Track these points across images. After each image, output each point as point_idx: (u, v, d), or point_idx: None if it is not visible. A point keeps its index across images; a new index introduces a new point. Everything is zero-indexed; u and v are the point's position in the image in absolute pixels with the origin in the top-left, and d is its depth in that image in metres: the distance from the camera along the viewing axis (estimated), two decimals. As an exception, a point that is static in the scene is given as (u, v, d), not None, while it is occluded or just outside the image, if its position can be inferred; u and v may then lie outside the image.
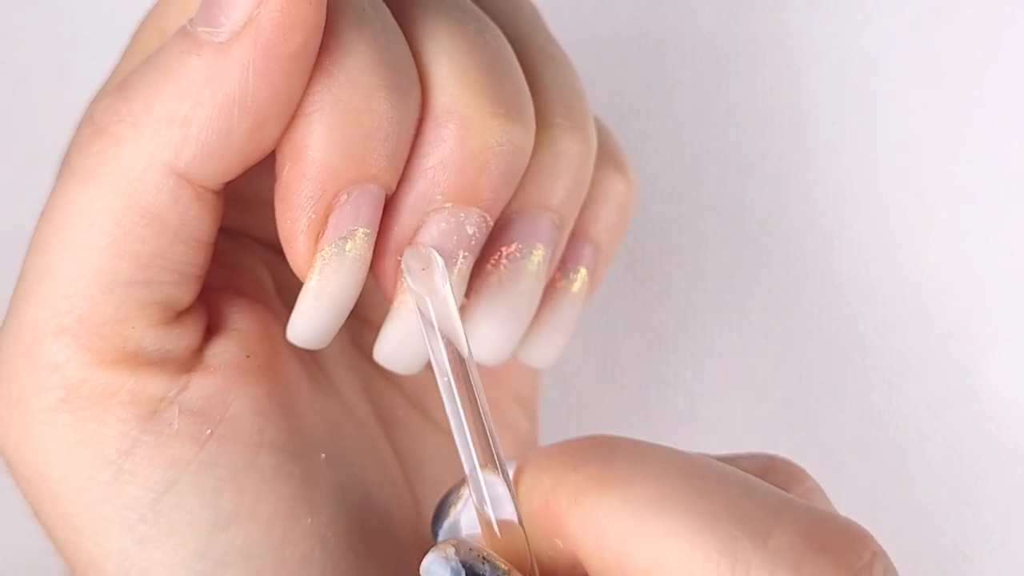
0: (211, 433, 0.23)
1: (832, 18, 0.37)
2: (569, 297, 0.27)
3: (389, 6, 0.24)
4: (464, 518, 0.23)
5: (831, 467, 0.37)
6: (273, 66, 0.22)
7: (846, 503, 0.24)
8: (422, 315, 0.23)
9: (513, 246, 0.25)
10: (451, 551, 0.21)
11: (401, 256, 0.24)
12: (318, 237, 0.23)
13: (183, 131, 0.22)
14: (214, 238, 0.24)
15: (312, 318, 0.24)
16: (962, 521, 0.37)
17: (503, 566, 0.21)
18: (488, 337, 0.25)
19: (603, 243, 0.27)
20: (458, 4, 0.25)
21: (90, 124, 0.23)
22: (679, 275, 0.38)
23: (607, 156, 0.27)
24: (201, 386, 0.24)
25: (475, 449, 0.22)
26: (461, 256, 0.24)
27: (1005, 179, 0.37)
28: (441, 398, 0.23)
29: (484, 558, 0.21)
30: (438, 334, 0.23)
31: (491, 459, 0.22)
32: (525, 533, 0.22)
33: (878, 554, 0.21)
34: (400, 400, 0.29)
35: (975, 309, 0.37)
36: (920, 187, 0.37)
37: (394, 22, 0.24)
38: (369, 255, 0.24)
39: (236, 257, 0.27)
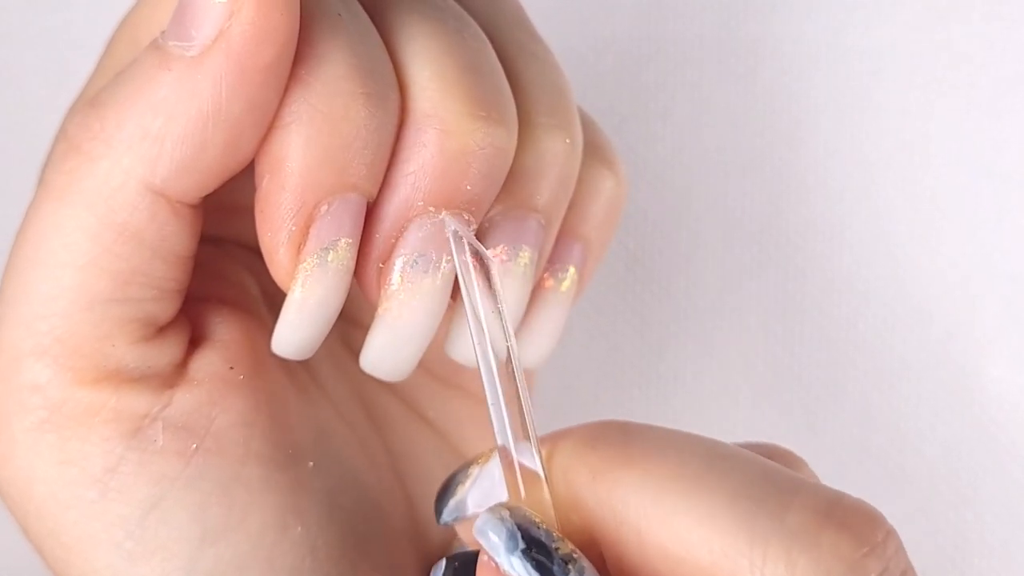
0: (196, 448, 0.23)
1: (831, 19, 0.37)
2: (558, 297, 0.27)
3: (365, 8, 0.24)
4: (472, 496, 0.23)
5: (831, 467, 0.37)
6: (246, 79, 0.22)
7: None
8: (463, 282, 0.23)
9: (500, 248, 0.25)
10: (506, 513, 0.21)
11: (383, 264, 0.24)
12: (299, 249, 0.23)
13: (157, 147, 0.22)
14: (194, 251, 0.24)
15: (296, 330, 0.23)
16: (962, 521, 0.37)
17: (556, 532, 0.21)
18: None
19: (592, 241, 0.27)
20: (436, 3, 0.25)
21: (64, 140, 0.23)
22: (679, 276, 0.38)
23: (595, 152, 0.27)
24: (185, 401, 0.23)
25: (509, 420, 0.22)
26: (445, 259, 0.24)
27: (1005, 179, 0.37)
28: (479, 372, 0.22)
29: (538, 524, 0.21)
30: (476, 295, 0.23)
31: (523, 431, 0.22)
32: (554, 505, 0.22)
33: (891, 533, 0.21)
34: (392, 400, 0.29)
35: (975, 309, 0.37)
36: (920, 187, 0.37)
37: (371, 26, 0.24)
38: (352, 264, 0.23)
39: (219, 265, 0.26)
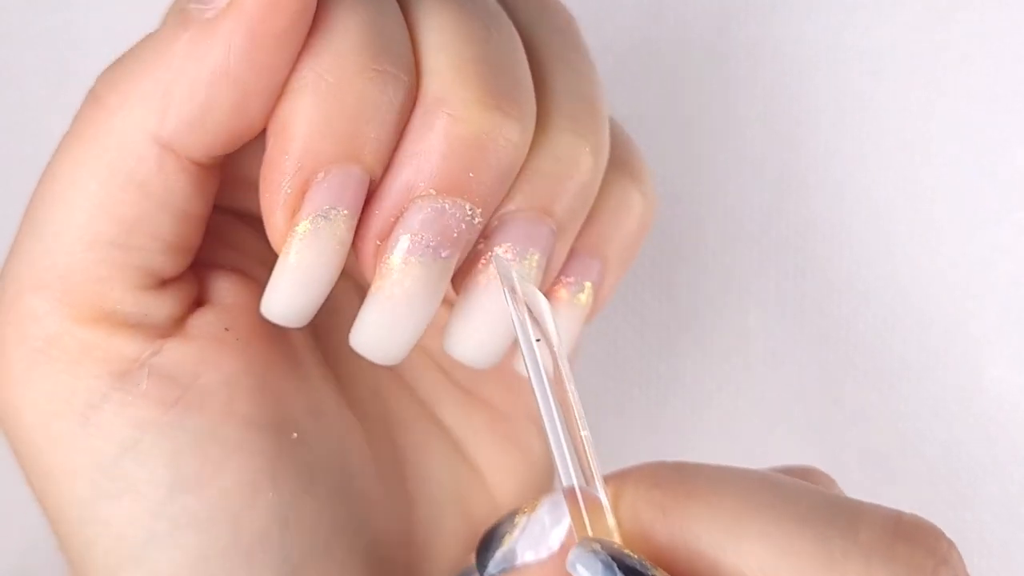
0: (178, 398, 0.24)
1: (832, 20, 0.37)
2: (573, 312, 0.27)
3: None
4: (522, 545, 0.23)
5: (831, 467, 0.37)
6: (256, 44, 0.22)
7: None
8: (518, 325, 0.23)
9: (504, 247, 0.25)
10: (597, 546, 0.22)
11: (381, 242, 0.24)
12: (294, 212, 0.23)
13: (166, 102, 0.23)
14: (205, 212, 0.24)
15: (284, 293, 0.24)
16: (961, 521, 0.37)
17: (648, 561, 0.22)
18: (472, 337, 0.25)
19: (611, 258, 0.27)
20: None
21: (91, 94, 0.24)
22: (679, 277, 0.38)
23: (624, 168, 0.27)
24: (174, 351, 0.24)
25: (572, 463, 0.22)
26: (444, 250, 0.24)
27: (1005, 179, 0.37)
28: (539, 411, 0.23)
29: (630, 553, 0.22)
30: (533, 343, 0.23)
31: (589, 473, 0.22)
32: (621, 542, 0.22)
33: (953, 544, 0.22)
34: (411, 400, 0.29)
35: (975, 309, 0.37)
36: (920, 188, 0.37)
37: (396, 7, 0.24)
38: (348, 237, 0.23)
39: (237, 236, 0.27)
